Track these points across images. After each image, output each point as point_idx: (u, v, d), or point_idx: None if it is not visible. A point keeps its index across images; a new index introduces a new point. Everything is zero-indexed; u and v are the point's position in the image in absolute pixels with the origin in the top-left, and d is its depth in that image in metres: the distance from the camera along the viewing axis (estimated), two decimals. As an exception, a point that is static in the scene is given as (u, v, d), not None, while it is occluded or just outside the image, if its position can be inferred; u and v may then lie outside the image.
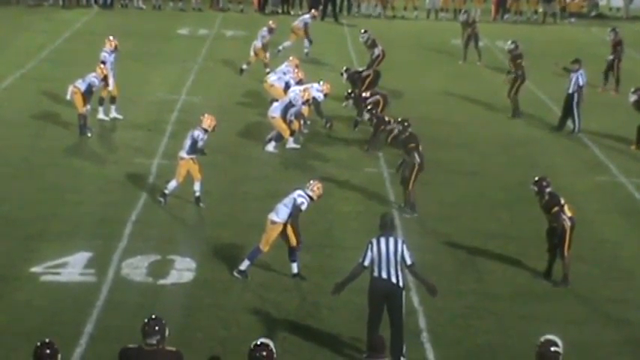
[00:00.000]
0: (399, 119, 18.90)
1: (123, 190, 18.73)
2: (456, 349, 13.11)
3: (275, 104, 21.73)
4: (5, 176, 19.35)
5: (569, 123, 23.71)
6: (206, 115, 18.01)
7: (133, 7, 40.53)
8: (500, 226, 17.69)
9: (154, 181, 19.16)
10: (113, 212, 17.52)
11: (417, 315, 13.81)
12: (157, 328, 9.40)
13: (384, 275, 12.19)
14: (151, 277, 14.92)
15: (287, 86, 22.98)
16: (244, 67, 28.18)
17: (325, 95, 22.16)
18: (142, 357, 9.40)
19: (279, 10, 40.59)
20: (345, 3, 41.60)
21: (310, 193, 14.83)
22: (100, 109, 23.00)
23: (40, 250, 15.68)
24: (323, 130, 22.57)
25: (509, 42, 25.92)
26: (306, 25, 31.00)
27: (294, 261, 14.88)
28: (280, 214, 14.67)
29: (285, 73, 23.66)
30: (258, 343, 9.22)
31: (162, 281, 14.80)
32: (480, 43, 31.60)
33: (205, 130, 17.75)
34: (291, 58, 24.82)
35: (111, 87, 22.78)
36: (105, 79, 22.13)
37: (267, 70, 26.46)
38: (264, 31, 28.29)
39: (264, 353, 9.12)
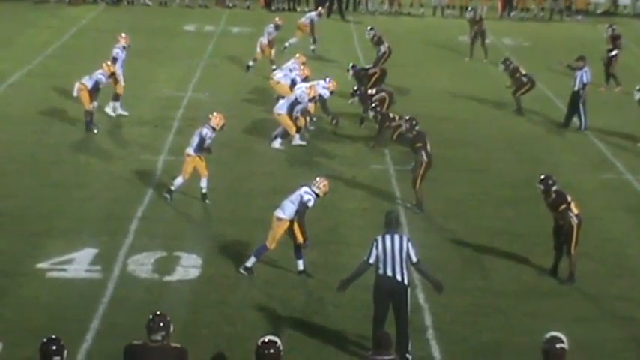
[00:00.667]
0: (407, 117, 18.87)
1: (129, 186, 18.75)
2: (461, 346, 13.11)
3: (281, 101, 21.73)
4: (12, 173, 19.38)
5: (575, 120, 23.69)
6: (215, 114, 18.00)
7: (140, 3, 40.56)
8: (506, 223, 17.68)
9: (160, 177, 19.18)
10: (119, 209, 17.55)
11: (423, 312, 13.82)
12: (161, 324, 9.42)
13: (389, 273, 12.19)
14: (156, 273, 14.94)
15: (293, 83, 22.97)
16: (250, 63, 28.18)
17: (331, 92, 22.16)
18: (147, 353, 9.42)
19: (285, 7, 40.58)
20: (352, 0, 41.57)
21: (316, 190, 14.82)
22: (115, 104, 23.03)
23: (46, 247, 15.70)
24: (329, 126, 22.58)
25: (501, 61, 25.65)
26: (312, 22, 30.98)
27: (300, 258, 14.88)
28: (286, 211, 14.67)
29: (291, 70, 23.65)
30: (266, 340, 9.22)
31: (168, 277, 14.82)
32: (487, 41, 31.56)
33: (213, 129, 17.75)
34: (297, 55, 24.82)
35: (122, 84, 22.84)
36: (112, 75, 22.16)
37: (273, 67, 26.48)
38: (270, 27, 28.28)
39: (272, 350, 9.12)
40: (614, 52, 27.82)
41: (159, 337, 9.39)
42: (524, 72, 24.83)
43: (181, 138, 20.42)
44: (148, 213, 17.39)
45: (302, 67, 23.64)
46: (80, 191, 18.44)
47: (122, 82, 22.94)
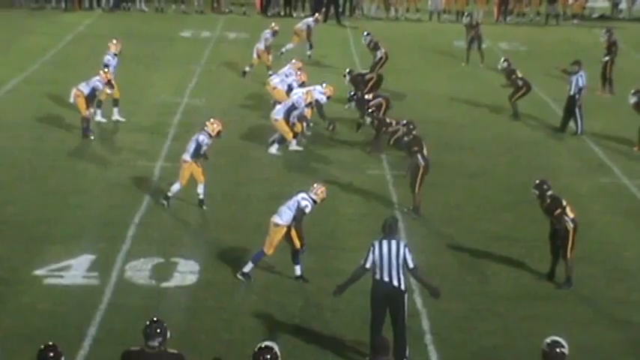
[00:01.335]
0: (404, 122, 18.88)
1: (126, 192, 18.73)
2: (459, 351, 13.10)
3: (278, 107, 21.73)
4: (9, 179, 19.35)
5: (572, 124, 23.71)
6: (212, 120, 18.00)
7: (136, 9, 40.57)
8: (503, 227, 17.68)
9: (157, 183, 19.17)
10: (116, 215, 17.53)
11: (421, 317, 13.81)
12: (158, 330, 9.41)
13: (386, 278, 12.18)
14: (154, 279, 14.93)
15: (290, 89, 22.99)
16: (247, 69, 28.19)
17: (328, 97, 22.18)
18: (144, 359, 9.40)
19: (282, 13, 40.59)
20: (348, 5, 41.62)
21: (314, 197, 14.83)
22: (99, 111, 23.02)
23: (43, 253, 15.68)
24: (326, 132, 22.57)
25: (502, 60, 25.79)
26: (309, 28, 30.97)
27: (297, 263, 14.88)
28: (284, 216, 14.67)
29: (287, 76, 23.65)
30: (263, 346, 9.22)
31: (165, 284, 14.81)
32: (483, 45, 31.59)
33: (210, 135, 17.74)
34: (293, 60, 24.82)
35: (114, 90, 22.76)
36: (109, 82, 22.16)
37: (270, 72, 26.46)
38: (267, 33, 28.27)
39: (269, 356, 9.12)
40: (606, 58, 27.85)
41: (156, 344, 9.39)
42: (520, 75, 24.86)
43: (178, 144, 20.39)
44: (145, 219, 17.38)
45: (298, 72, 23.64)
46: (77, 198, 18.43)
47: (114, 89, 22.81)
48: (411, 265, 12.24)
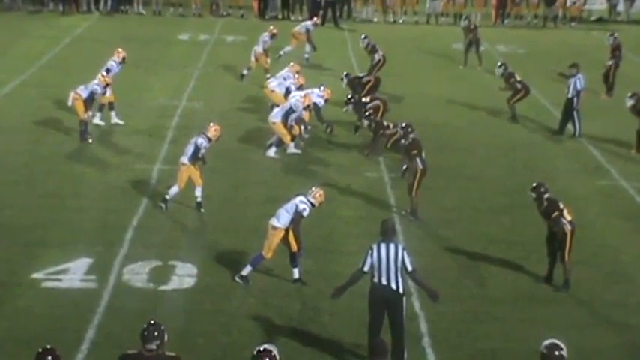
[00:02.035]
0: (403, 124, 18.88)
1: (124, 196, 18.73)
2: (457, 354, 13.10)
3: (276, 110, 21.73)
4: (6, 183, 19.35)
5: (570, 127, 23.73)
6: (212, 125, 18.01)
7: (134, 13, 40.58)
8: (501, 230, 17.68)
9: (154, 186, 19.17)
10: (114, 218, 17.53)
11: (419, 320, 13.81)
12: (156, 333, 9.41)
13: (384, 281, 12.18)
14: (152, 282, 14.92)
15: (287, 92, 22.99)
16: (245, 72, 28.19)
17: (326, 100, 22.21)
18: (142, 362, 9.41)
19: (279, 16, 40.61)
20: (346, 8, 41.64)
21: (312, 200, 14.84)
22: (98, 114, 23.01)
23: (41, 257, 15.68)
24: (324, 135, 22.59)
25: (498, 65, 25.85)
26: (307, 31, 30.97)
27: (295, 266, 14.88)
28: (281, 219, 14.68)
29: (285, 79, 23.67)
30: (262, 348, 9.22)
31: (163, 287, 14.80)
32: (481, 48, 31.61)
33: (209, 139, 17.75)
34: (292, 63, 24.83)
35: (108, 93, 22.74)
36: (107, 86, 22.17)
37: (268, 75, 26.47)
38: (265, 36, 28.26)
39: (267, 359, 9.12)
40: (610, 62, 27.88)
41: (153, 346, 9.39)
42: (519, 78, 24.89)
43: (176, 147, 20.40)
44: (143, 222, 17.37)
45: (296, 75, 23.66)
46: (75, 201, 18.43)
47: (108, 93, 22.75)
48: (409, 267, 12.24)
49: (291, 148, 21.61)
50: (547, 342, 9.54)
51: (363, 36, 29.10)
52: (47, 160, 20.80)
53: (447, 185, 19.73)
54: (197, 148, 17.58)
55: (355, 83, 25.00)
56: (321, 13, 38.85)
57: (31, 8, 40.09)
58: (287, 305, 14.25)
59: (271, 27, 29.15)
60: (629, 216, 18.66)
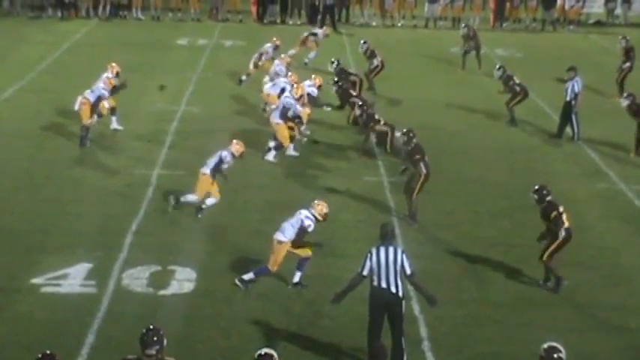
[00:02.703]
0: (404, 130, 18.83)
1: (123, 200, 18.73)
2: (457, 358, 13.10)
3: (275, 110, 21.82)
4: (6, 188, 19.36)
5: (569, 130, 23.74)
6: (236, 141, 18.07)
7: (132, 18, 40.59)
8: (500, 233, 17.69)
9: (154, 191, 19.17)
10: (113, 223, 17.53)
11: (418, 323, 13.81)
12: (155, 338, 9.41)
13: (384, 285, 12.19)
14: (151, 287, 14.92)
15: (283, 91, 23.04)
16: (243, 78, 28.15)
17: (319, 87, 22.53)
18: (142, 367, 9.42)
19: (278, 20, 40.63)
20: (344, 12, 41.65)
21: (316, 214, 14.84)
22: (114, 118, 23.05)
23: (40, 262, 15.67)
24: (322, 139, 22.57)
25: (497, 67, 25.89)
26: (316, 40, 31.26)
27: (300, 270, 14.87)
28: (287, 233, 14.66)
29: (278, 74, 23.81)
30: (262, 353, 9.23)
31: (162, 292, 14.80)
32: (481, 51, 31.62)
33: (233, 155, 17.80)
34: (282, 55, 24.94)
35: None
36: (114, 90, 22.18)
37: (266, 79, 26.46)
38: (269, 47, 27.88)
39: (268, 363, 9.14)
40: (627, 64, 27.90)
41: (153, 352, 9.38)
42: (517, 81, 24.91)
43: (175, 152, 20.43)
44: (142, 227, 17.38)
45: (290, 74, 23.94)
46: (74, 206, 18.43)
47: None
48: (408, 271, 12.25)
49: (290, 151, 21.63)
50: (546, 345, 9.56)
51: (362, 41, 29.13)
52: (46, 166, 20.80)
53: (446, 189, 19.72)
54: (220, 161, 17.62)
55: (343, 74, 25.78)
56: (319, 17, 38.89)
57: (30, 14, 40.07)
58: (287, 309, 14.26)
59: (274, 38, 28.90)
60: (628, 219, 18.68)
